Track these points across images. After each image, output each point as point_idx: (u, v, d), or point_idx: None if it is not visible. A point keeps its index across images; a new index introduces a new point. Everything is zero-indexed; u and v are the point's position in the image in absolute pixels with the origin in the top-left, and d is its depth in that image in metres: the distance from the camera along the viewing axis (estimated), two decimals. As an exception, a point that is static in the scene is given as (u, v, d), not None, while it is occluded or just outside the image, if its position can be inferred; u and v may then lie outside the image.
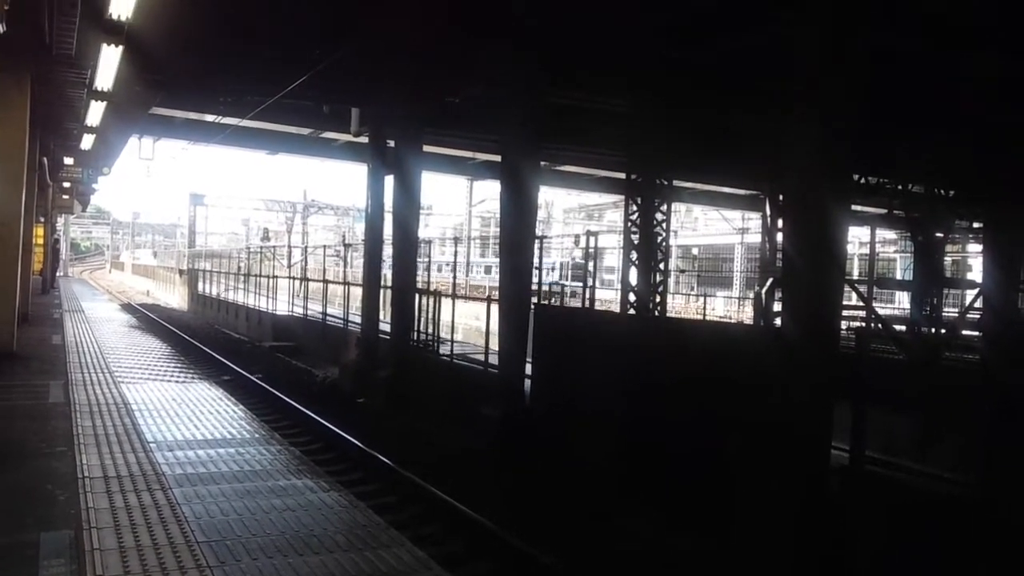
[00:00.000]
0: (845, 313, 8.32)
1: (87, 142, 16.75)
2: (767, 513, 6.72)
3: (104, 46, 8.71)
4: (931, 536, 6.61)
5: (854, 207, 11.57)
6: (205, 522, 4.64)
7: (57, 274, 37.11)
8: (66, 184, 25.93)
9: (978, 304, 11.09)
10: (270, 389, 14.08)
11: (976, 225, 12.56)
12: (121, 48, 8.74)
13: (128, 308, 30.37)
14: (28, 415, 7.45)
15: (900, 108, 10.82)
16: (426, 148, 15.80)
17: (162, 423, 7.37)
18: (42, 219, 25.11)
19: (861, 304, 9.62)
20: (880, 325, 9.81)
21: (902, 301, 23.28)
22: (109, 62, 9.48)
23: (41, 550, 4.11)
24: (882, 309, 15.64)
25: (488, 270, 39.37)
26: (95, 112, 12.79)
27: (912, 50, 9.52)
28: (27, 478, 5.41)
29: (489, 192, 40.53)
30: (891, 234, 25.46)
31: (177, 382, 10.11)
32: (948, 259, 15.09)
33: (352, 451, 10.17)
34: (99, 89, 10.74)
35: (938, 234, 11.30)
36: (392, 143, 15.03)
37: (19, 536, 4.30)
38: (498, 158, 14.84)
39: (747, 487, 7.11)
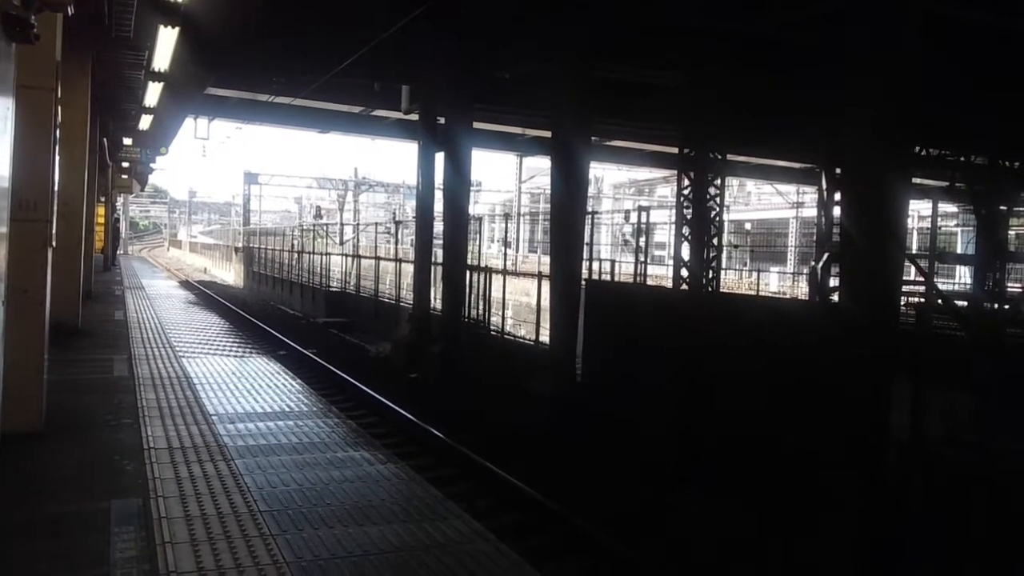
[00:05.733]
0: (904, 289, 8.16)
1: (145, 123, 17.08)
2: (826, 491, 6.67)
3: (161, 28, 8.85)
4: (984, 518, 6.51)
5: (914, 180, 11.31)
6: (267, 492, 4.75)
7: (118, 252, 38.04)
8: (125, 164, 26.45)
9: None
10: (325, 364, 14.32)
11: (1042, 198, 12.17)
12: (178, 29, 8.88)
13: (186, 285, 31.05)
14: (94, 389, 7.68)
15: (962, 78, 10.51)
16: (476, 125, 15.80)
17: (222, 396, 7.55)
18: (103, 198, 25.70)
19: (921, 279, 9.42)
20: (941, 301, 9.60)
21: (964, 276, 22.70)
22: (166, 43, 9.63)
23: (112, 517, 4.25)
24: (943, 284, 15.28)
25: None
26: (152, 93, 13.02)
27: (974, 19, 9.23)
28: (95, 449, 5.59)
29: (538, 168, 40.36)
30: (951, 207, 24.77)
31: (235, 356, 10.32)
32: (1012, 233, 14.68)
33: (407, 425, 10.31)
34: (156, 70, 10.94)
35: (1002, 207, 11.00)
36: (442, 120, 15.06)
37: (91, 504, 4.46)
38: (548, 134, 14.78)
39: (807, 466, 7.06)
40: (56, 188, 6.30)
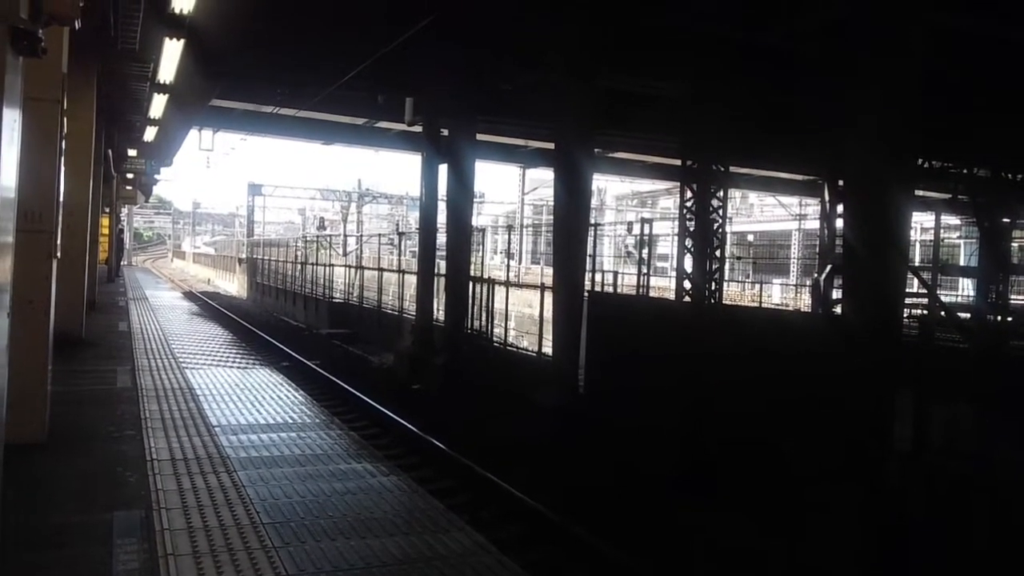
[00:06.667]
0: (908, 301, 8.16)
1: (150, 134, 17.13)
2: (827, 501, 6.65)
3: (166, 40, 8.90)
4: (986, 528, 6.48)
5: (917, 192, 11.32)
6: (269, 504, 4.76)
7: (121, 263, 38.09)
8: (130, 175, 26.56)
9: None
10: (328, 375, 14.32)
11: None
12: (183, 41, 8.92)
13: (190, 296, 31.06)
14: (97, 400, 7.70)
15: (966, 91, 10.53)
16: (479, 136, 15.84)
17: (225, 407, 7.55)
18: (107, 210, 25.77)
19: (924, 291, 9.42)
20: (944, 313, 9.59)
21: (966, 288, 22.67)
22: (171, 55, 9.67)
23: (114, 529, 4.25)
24: (945, 297, 15.26)
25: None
26: (158, 105, 13.08)
27: (979, 31, 9.25)
28: (98, 460, 5.60)
29: (541, 179, 40.51)
30: (954, 220, 24.77)
31: (239, 368, 10.33)
32: (1015, 245, 14.69)
33: (409, 436, 10.30)
34: (161, 82, 10.98)
35: (1004, 219, 11.01)
36: (446, 132, 15.09)
37: (94, 515, 4.46)
38: (551, 145, 14.81)
39: (808, 476, 7.05)
40: (61, 199, 6.33)
